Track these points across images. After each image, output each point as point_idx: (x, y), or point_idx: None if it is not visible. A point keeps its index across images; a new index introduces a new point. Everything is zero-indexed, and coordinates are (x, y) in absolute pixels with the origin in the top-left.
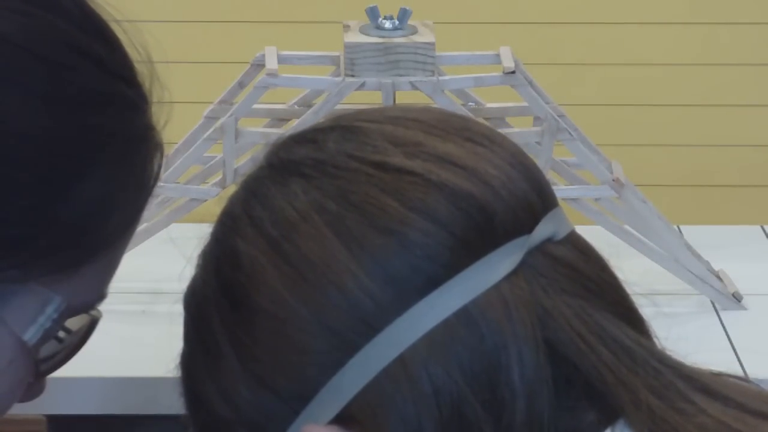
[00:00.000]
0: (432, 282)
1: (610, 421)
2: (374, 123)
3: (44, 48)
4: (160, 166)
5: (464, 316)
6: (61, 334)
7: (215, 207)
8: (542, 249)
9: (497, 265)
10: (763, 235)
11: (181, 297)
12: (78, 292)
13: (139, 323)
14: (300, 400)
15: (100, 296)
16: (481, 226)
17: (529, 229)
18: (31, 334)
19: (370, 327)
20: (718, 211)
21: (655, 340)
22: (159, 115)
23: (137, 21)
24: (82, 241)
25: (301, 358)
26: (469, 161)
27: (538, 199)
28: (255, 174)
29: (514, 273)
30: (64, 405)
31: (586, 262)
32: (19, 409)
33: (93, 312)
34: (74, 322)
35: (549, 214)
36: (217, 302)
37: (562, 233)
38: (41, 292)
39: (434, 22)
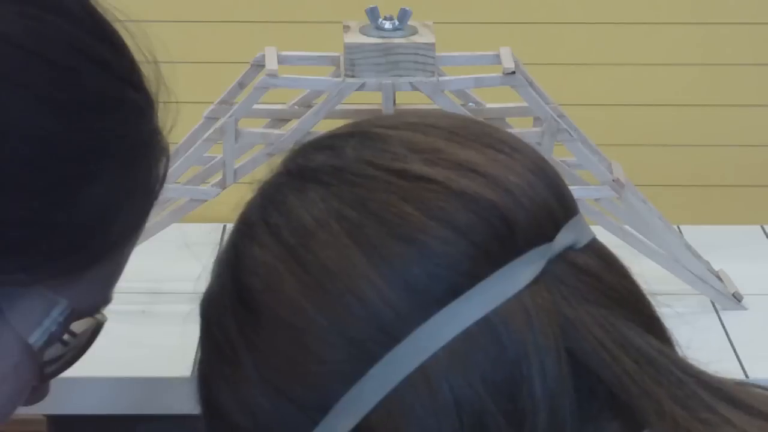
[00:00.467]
0: (452, 291)
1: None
2: (393, 129)
3: (51, 51)
4: (165, 170)
5: (485, 325)
6: (66, 337)
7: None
8: (564, 257)
9: (518, 274)
10: (763, 235)
11: (180, 297)
12: (83, 295)
13: (139, 323)
14: (318, 410)
15: (105, 300)
16: (502, 235)
17: (550, 237)
18: (36, 338)
19: (390, 336)
20: (718, 211)
21: (677, 348)
22: (165, 119)
23: (138, 21)
24: (88, 245)
25: (319, 368)
26: (489, 168)
27: (559, 207)
28: (272, 180)
29: (535, 282)
30: (64, 405)
31: (608, 270)
32: (19, 409)
33: (98, 315)
34: (79, 326)
35: (570, 222)
36: (234, 310)
37: (583, 241)
38: (47, 296)
39: (434, 23)
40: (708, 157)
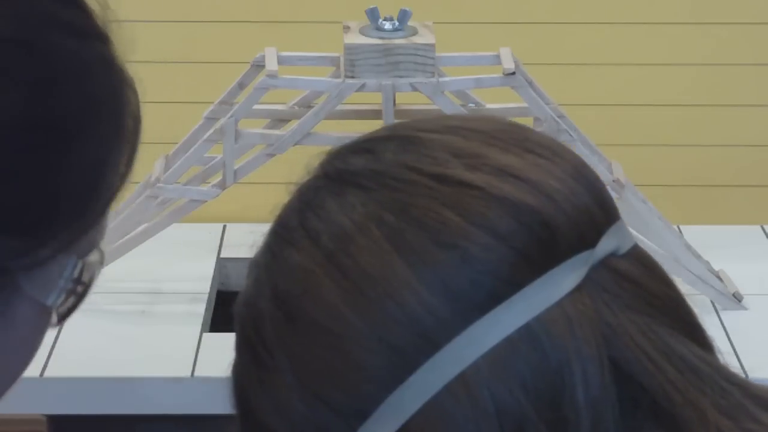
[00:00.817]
0: (494, 298)
1: None
2: (433, 133)
3: (12, 21)
4: (138, 106)
5: (527, 333)
6: (79, 288)
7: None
8: (606, 264)
9: (560, 281)
10: (763, 235)
11: (180, 297)
12: (89, 245)
13: (139, 323)
14: (357, 416)
15: (101, 238)
16: (544, 241)
17: (592, 243)
18: (53, 299)
19: (430, 343)
20: (718, 211)
21: (718, 356)
22: (127, 64)
23: (139, 21)
24: (92, 204)
25: (358, 374)
26: (531, 174)
27: (601, 213)
28: (310, 184)
29: (577, 289)
30: (64, 405)
31: (650, 277)
32: (19, 409)
33: (98, 252)
34: (87, 270)
35: (612, 228)
36: (271, 314)
37: (625, 247)
38: (61, 260)
39: (434, 23)
40: (708, 157)
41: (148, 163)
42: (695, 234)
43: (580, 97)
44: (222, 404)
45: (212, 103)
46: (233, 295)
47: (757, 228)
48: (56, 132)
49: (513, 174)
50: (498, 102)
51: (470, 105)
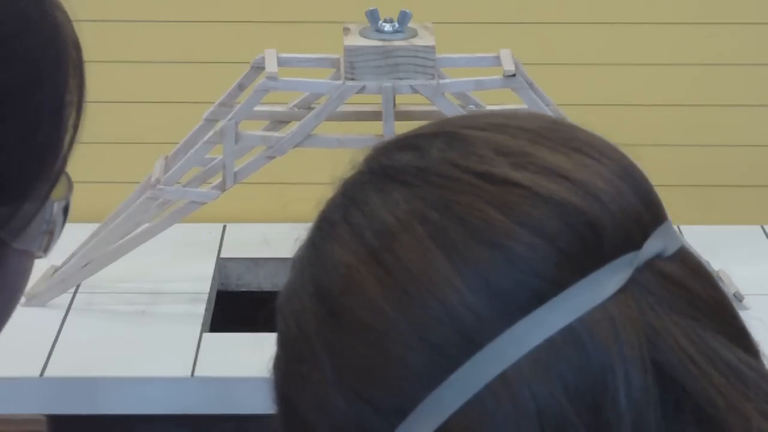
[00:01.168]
0: (537, 298)
1: None
2: (479, 131)
3: None
4: (77, 37)
5: (570, 334)
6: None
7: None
8: (651, 266)
9: (605, 283)
10: (763, 235)
11: (180, 297)
12: (63, 187)
13: (139, 323)
14: (397, 414)
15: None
16: (589, 242)
17: (638, 244)
18: (38, 244)
19: (472, 342)
20: (718, 211)
21: (764, 361)
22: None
23: (139, 21)
24: (59, 146)
25: (399, 372)
26: (577, 174)
27: (648, 214)
28: (354, 179)
29: (621, 291)
30: (64, 405)
31: (696, 279)
32: (19, 409)
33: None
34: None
35: (659, 229)
36: (313, 310)
37: (671, 249)
38: (42, 209)
39: (434, 23)
40: (708, 157)
41: (148, 164)
42: (695, 234)
43: (580, 97)
44: (222, 404)
45: (212, 103)
46: (233, 295)
47: (757, 228)
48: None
49: (559, 174)
50: (497, 103)
51: (470, 106)
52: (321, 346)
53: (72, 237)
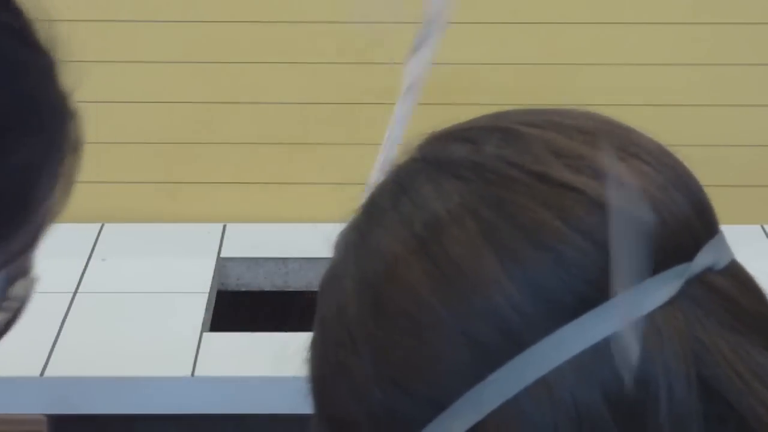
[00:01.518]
0: (585, 303)
1: None
2: (536, 128)
3: None
4: (79, 130)
5: (614, 342)
6: (5, 303)
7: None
8: (702, 279)
9: (653, 293)
10: (763, 234)
11: (180, 297)
12: (13, 259)
13: (139, 323)
14: (434, 407)
15: (33, 261)
16: (640, 251)
17: (689, 256)
18: None
19: (515, 343)
20: (718, 211)
21: None
22: (71, 81)
23: (139, 21)
24: (13, 212)
25: (439, 366)
26: (633, 180)
27: (701, 225)
28: (408, 167)
29: (670, 302)
30: (64, 405)
31: (746, 294)
32: (19, 409)
33: (31, 275)
34: (16, 289)
35: (711, 241)
36: (355, 295)
37: (723, 262)
38: None
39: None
40: (708, 157)
41: (149, 164)
42: None
43: (580, 97)
44: (222, 404)
45: (212, 103)
46: (233, 294)
47: (757, 228)
48: None
49: (614, 179)
50: None
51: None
52: (361, 333)
53: (73, 237)
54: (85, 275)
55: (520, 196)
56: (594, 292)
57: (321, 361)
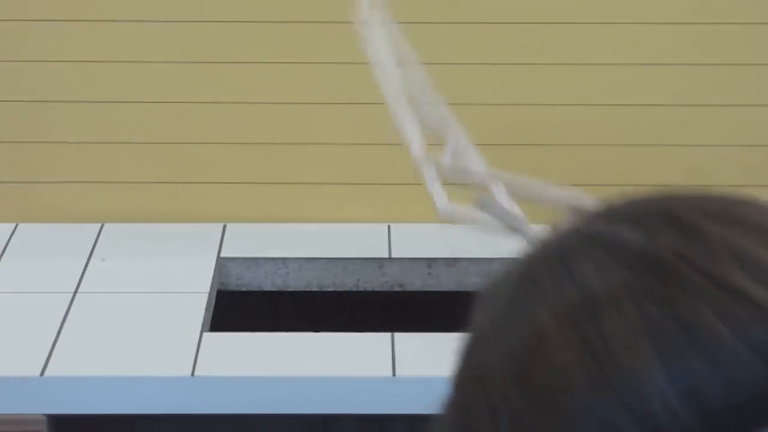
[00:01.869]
0: (745, 424)
1: None
2: (717, 225)
3: None
4: None
5: None
6: None
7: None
8: None
9: None
10: None
11: (180, 297)
12: None
13: (139, 323)
14: None
15: None
16: None
17: None
18: None
19: None
20: None
21: None
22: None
23: (139, 21)
24: None
25: None
26: None
27: None
28: (570, 240)
29: None
30: (64, 405)
31: None
32: (19, 409)
33: None
34: None
35: None
36: (499, 364)
37: None
38: None
39: (434, 23)
40: (707, 157)
41: (149, 164)
42: None
43: (579, 97)
44: (222, 404)
45: (212, 103)
46: (233, 294)
47: None
48: None
49: None
50: None
51: None
52: (499, 403)
53: (73, 237)
54: (85, 275)
55: (692, 301)
56: (754, 414)
57: (455, 423)
